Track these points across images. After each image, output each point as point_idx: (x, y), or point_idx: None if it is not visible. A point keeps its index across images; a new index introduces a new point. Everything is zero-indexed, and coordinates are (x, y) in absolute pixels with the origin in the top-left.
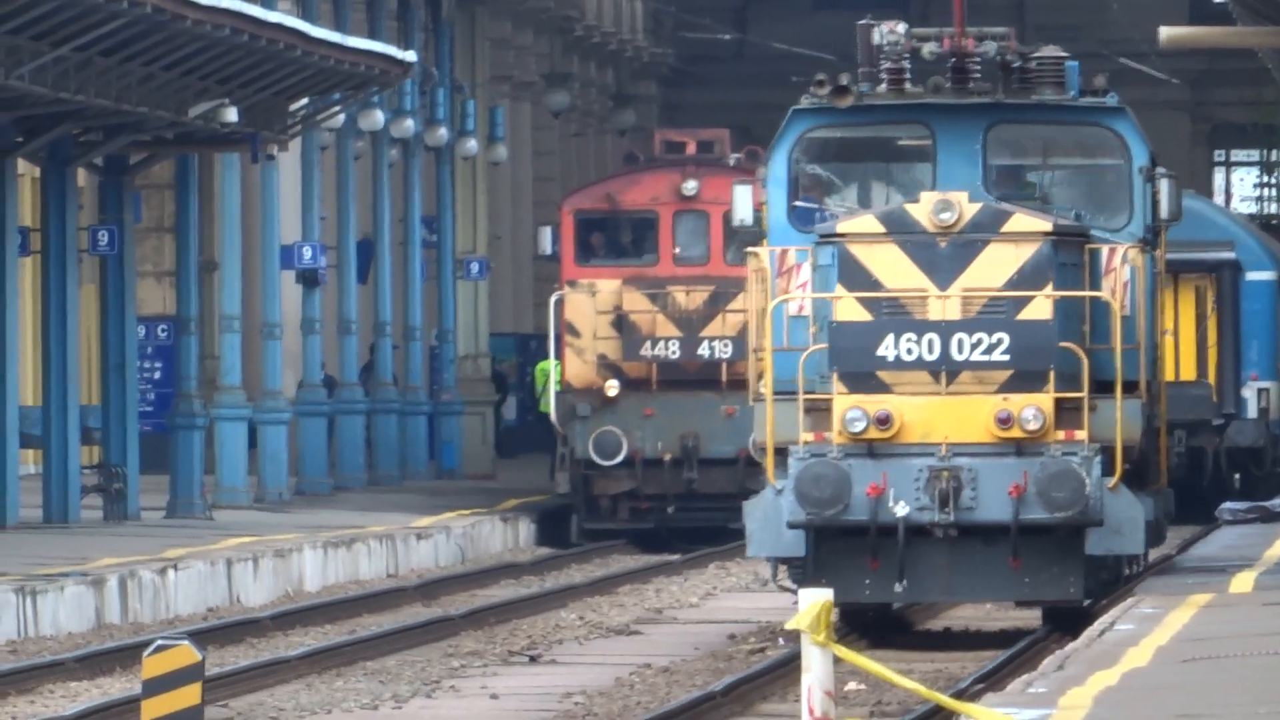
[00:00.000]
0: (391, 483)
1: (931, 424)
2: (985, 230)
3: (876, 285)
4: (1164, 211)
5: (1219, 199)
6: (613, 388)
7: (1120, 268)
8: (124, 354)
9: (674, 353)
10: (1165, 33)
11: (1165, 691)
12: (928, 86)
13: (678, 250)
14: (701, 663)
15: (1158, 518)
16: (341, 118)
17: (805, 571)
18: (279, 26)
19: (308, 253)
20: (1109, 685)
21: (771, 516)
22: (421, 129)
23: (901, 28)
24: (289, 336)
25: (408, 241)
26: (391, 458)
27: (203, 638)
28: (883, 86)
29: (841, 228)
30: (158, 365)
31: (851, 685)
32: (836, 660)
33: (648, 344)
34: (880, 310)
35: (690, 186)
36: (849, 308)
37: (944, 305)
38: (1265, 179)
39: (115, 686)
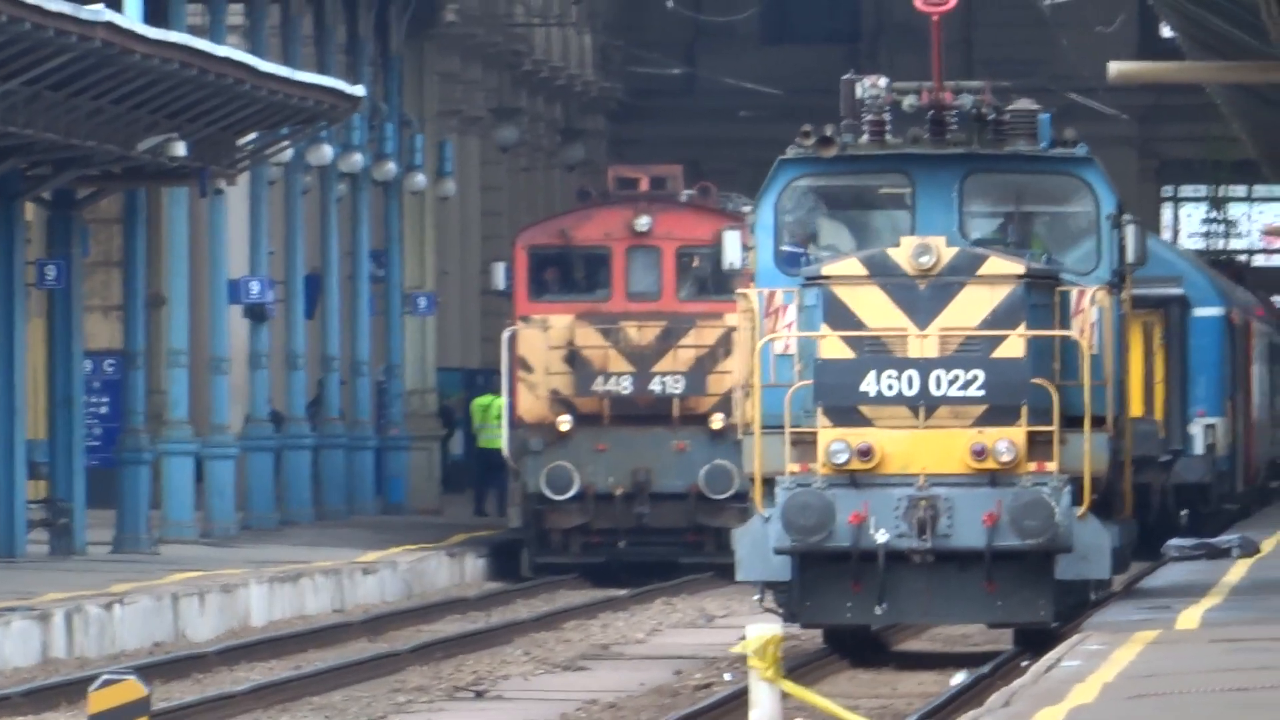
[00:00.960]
0: (338, 518)
1: (910, 456)
2: (962, 273)
3: (859, 324)
4: (1130, 256)
5: (1166, 235)
6: (565, 423)
7: (1089, 309)
8: (71, 388)
9: (626, 388)
10: (1114, 67)
11: None
12: (907, 138)
13: (630, 286)
14: (647, 699)
15: (1123, 545)
16: (290, 152)
17: (790, 595)
18: (228, 61)
19: (255, 287)
20: None
21: (759, 543)
22: (370, 163)
23: (883, 82)
24: (236, 371)
25: (355, 276)
26: (338, 493)
27: (149, 672)
28: (865, 138)
29: (826, 270)
30: (105, 400)
31: None
32: (784, 696)
33: (600, 379)
34: (863, 348)
35: (643, 223)
36: (833, 346)
37: (923, 344)
38: (1213, 214)
39: None
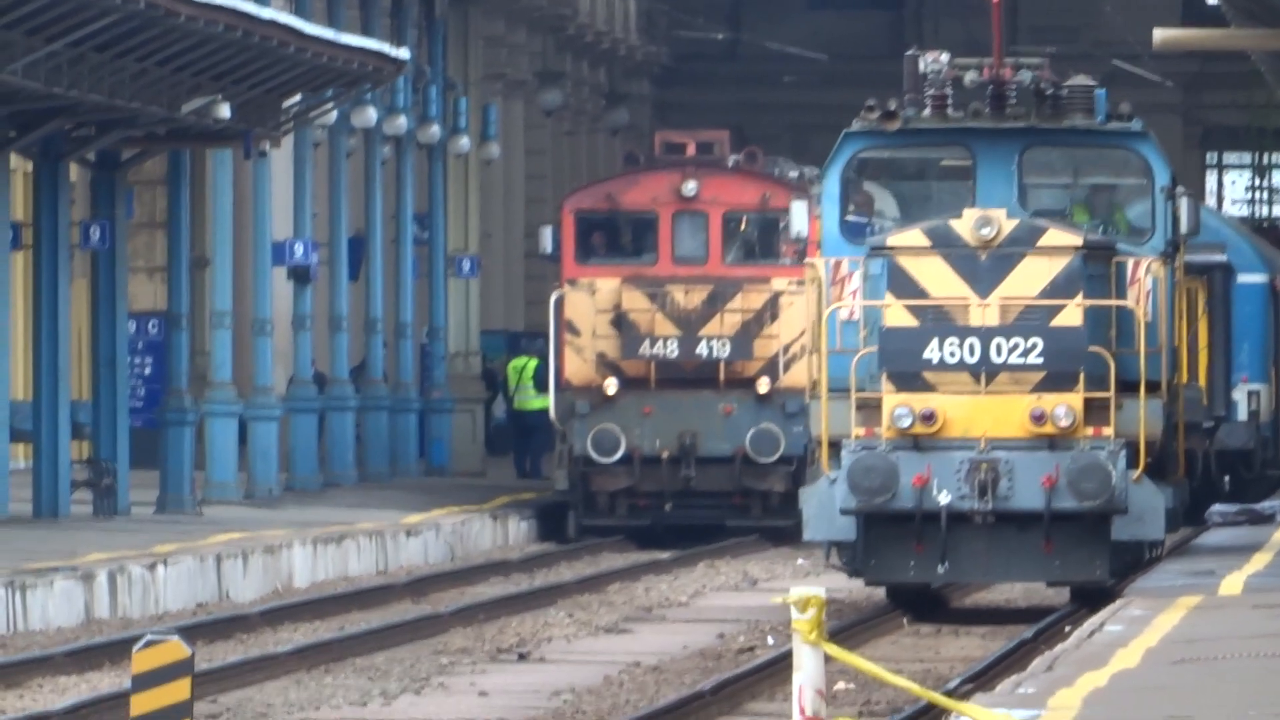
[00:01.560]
0: (381, 480)
1: (972, 420)
2: (1022, 244)
3: (922, 294)
4: (1184, 227)
5: (1211, 202)
6: (611, 386)
7: (1144, 279)
8: (115, 349)
9: (672, 352)
10: (1159, 34)
11: (1154, 693)
12: (968, 112)
13: (677, 250)
14: (690, 661)
15: (1176, 506)
16: (334, 115)
17: (855, 554)
18: (273, 23)
19: (299, 249)
20: (1098, 686)
21: (826, 504)
22: (414, 126)
23: (945, 57)
24: (280, 333)
25: (399, 239)
26: (382, 455)
27: (192, 633)
28: (927, 111)
29: (891, 241)
30: (148, 361)
31: (841, 685)
32: (827, 659)
33: (646, 343)
34: (926, 317)
35: (690, 187)
36: (897, 314)
37: (984, 312)
38: (1257, 182)
39: (104, 681)
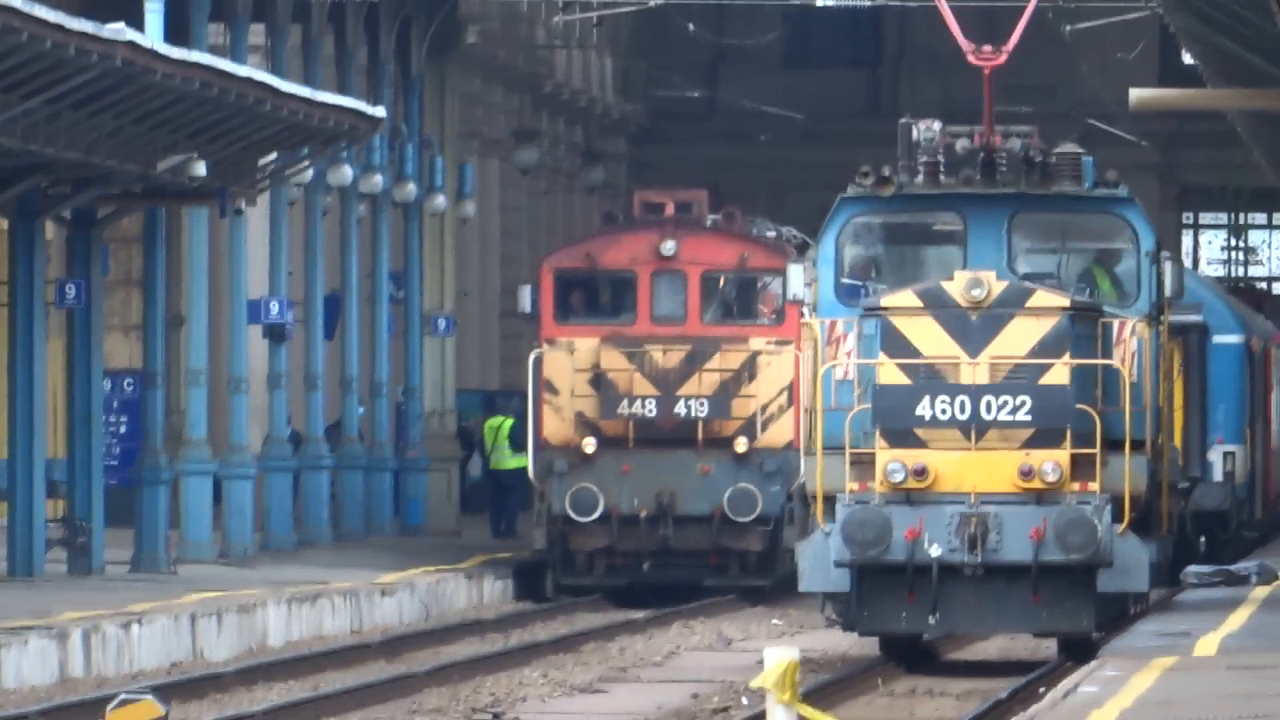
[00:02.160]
0: (356, 539)
1: (962, 475)
2: (1011, 305)
3: (915, 353)
4: (1168, 290)
5: (1187, 262)
6: (590, 445)
7: (1129, 339)
8: (90, 407)
9: (651, 411)
10: (1135, 94)
11: None
12: (959, 178)
13: (656, 310)
14: None
15: (1160, 560)
16: (310, 173)
17: (849, 605)
18: (249, 80)
19: (275, 307)
20: None
21: (821, 556)
22: (390, 185)
23: (937, 125)
24: (255, 391)
25: (375, 297)
26: (357, 514)
27: (166, 692)
28: (920, 178)
29: (884, 302)
30: (123, 419)
31: None
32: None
33: (625, 402)
34: (918, 375)
35: (669, 247)
36: (890, 372)
37: (974, 371)
38: (1233, 242)
39: None
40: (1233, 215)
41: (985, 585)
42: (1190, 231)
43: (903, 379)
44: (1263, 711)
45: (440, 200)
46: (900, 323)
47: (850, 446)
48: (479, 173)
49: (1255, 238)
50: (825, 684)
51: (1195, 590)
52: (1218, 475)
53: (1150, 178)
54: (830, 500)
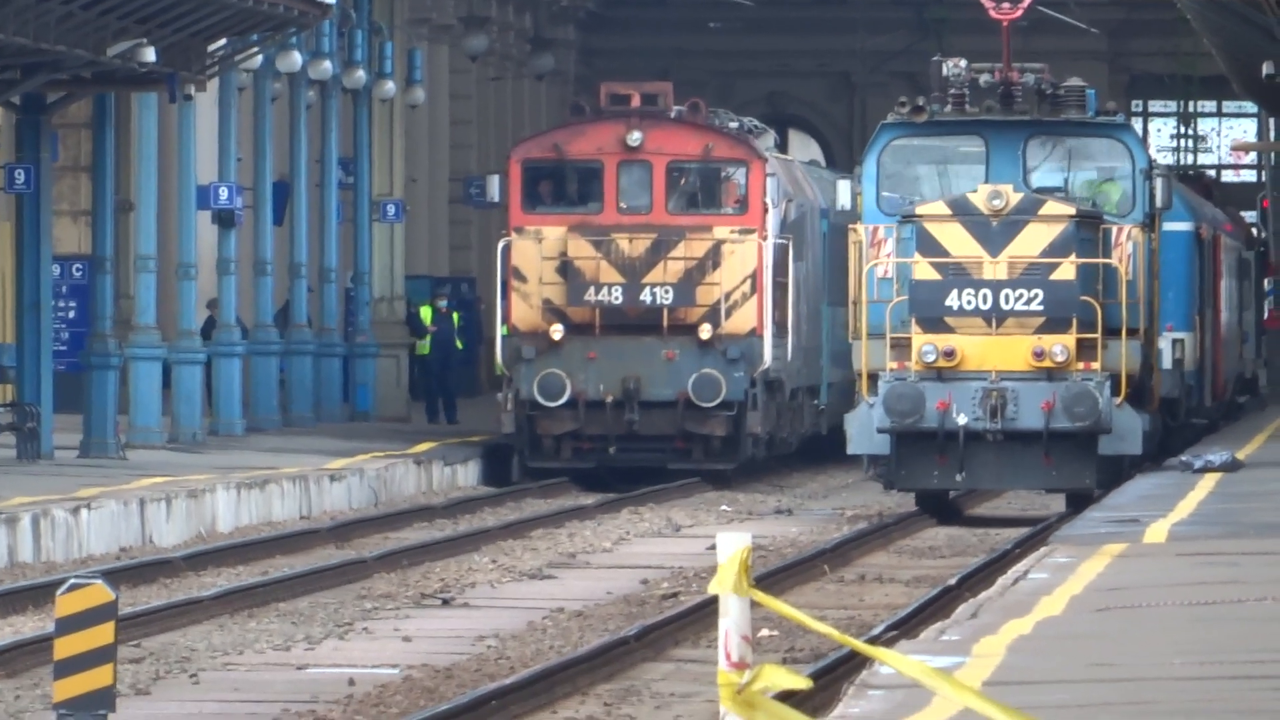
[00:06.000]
0: (305, 424)
1: (984, 356)
2: (1026, 213)
3: (945, 253)
4: (1159, 201)
5: None
6: (557, 331)
7: (1125, 243)
8: (39, 293)
9: (617, 298)
10: None
11: (1079, 640)
12: (982, 108)
13: (622, 200)
14: (614, 607)
15: (1152, 430)
16: (259, 59)
17: (889, 466)
18: None
19: (224, 193)
20: (1022, 634)
21: (865, 424)
22: (339, 71)
23: (963, 63)
24: (204, 277)
25: (324, 184)
26: (305, 399)
27: (116, 577)
28: (949, 107)
29: (919, 210)
30: (73, 304)
31: (764, 631)
32: (752, 605)
33: (591, 289)
34: (947, 272)
35: (635, 138)
36: (924, 270)
37: (995, 268)
38: (1183, 130)
39: (28, 625)
40: (1182, 103)
41: (1004, 449)
42: (1140, 119)
43: (934, 275)
44: (1211, 598)
45: (389, 86)
46: (932, 228)
47: (890, 332)
48: (428, 59)
49: (1204, 125)
50: (775, 570)
51: (1145, 477)
52: (1167, 363)
53: (1100, 65)
54: (873, 377)
